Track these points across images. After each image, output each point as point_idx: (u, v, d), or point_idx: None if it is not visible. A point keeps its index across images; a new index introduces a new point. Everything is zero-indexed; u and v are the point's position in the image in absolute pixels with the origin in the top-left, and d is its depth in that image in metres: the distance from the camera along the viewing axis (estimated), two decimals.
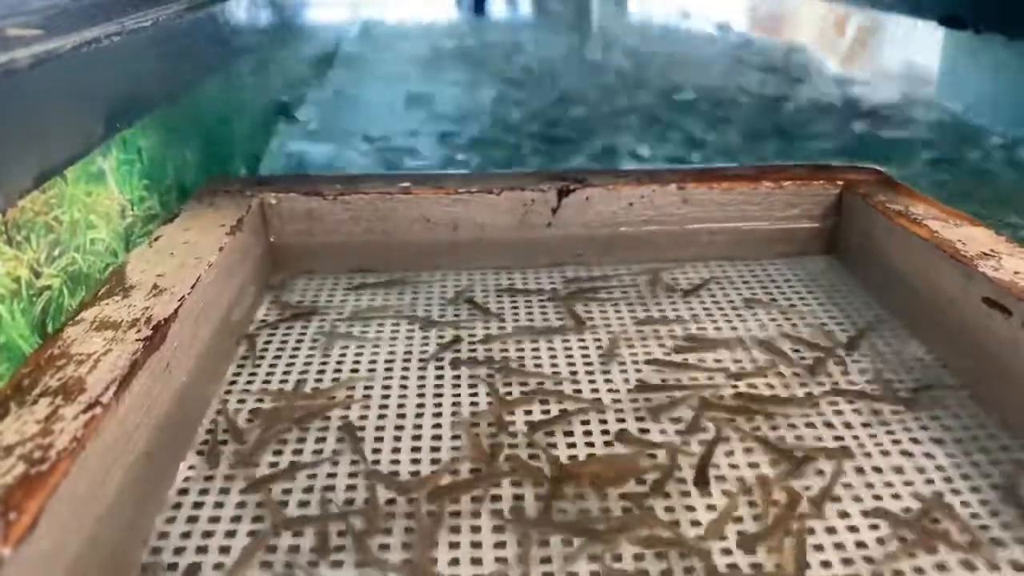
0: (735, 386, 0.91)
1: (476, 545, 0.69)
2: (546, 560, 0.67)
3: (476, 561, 0.67)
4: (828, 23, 3.35)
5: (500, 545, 0.69)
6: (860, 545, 0.69)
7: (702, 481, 0.76)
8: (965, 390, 0.90)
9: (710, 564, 0.67)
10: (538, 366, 0.96)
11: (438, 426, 0.85)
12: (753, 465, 0.79)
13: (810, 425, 0.84)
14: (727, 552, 0.68)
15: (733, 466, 0.78)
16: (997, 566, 0.66)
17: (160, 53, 1.09)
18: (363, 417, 0.87)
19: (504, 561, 0.67)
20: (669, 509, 0.73)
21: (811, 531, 0.70)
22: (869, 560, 0.67)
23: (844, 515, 0.72)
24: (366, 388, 0.92)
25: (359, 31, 3.83)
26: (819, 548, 0.69)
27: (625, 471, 0.77)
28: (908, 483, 0.76)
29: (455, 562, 0.67)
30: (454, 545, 0.69)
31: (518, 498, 0.74)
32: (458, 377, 0.94)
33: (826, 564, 0.67)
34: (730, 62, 3.29)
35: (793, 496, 0.74)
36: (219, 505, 0.74)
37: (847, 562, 0.67)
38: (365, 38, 3.76)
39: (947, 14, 2.24)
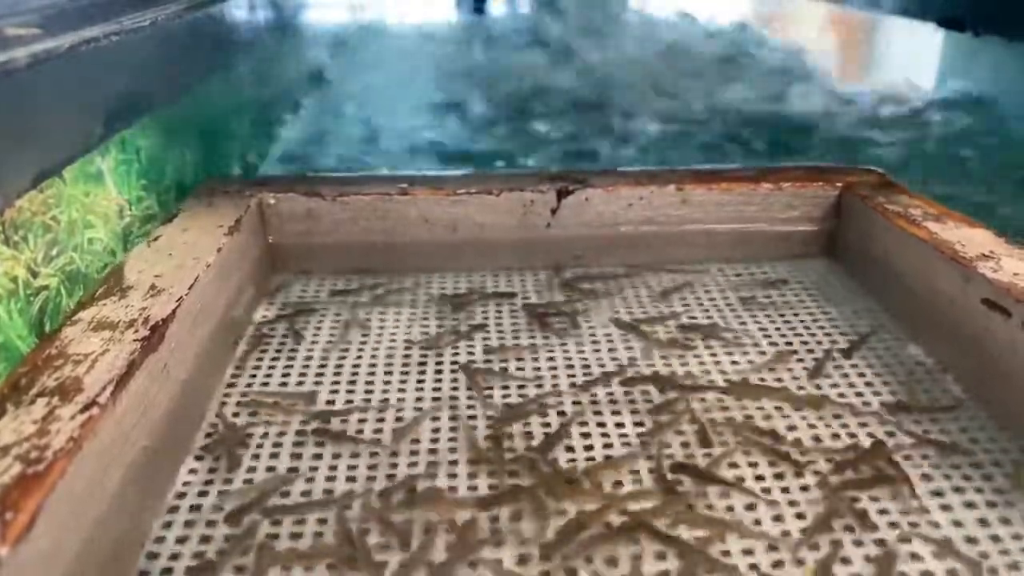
0: (733, 387, 0.91)
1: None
2: None
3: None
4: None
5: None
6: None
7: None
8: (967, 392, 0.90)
9: None
10: (536, 369, 0.96)
11: (436, 430, 0.85)
12: (757, 475, 0.79)
13: (811, 426, 0.84)
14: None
15: (733, 465, 0.78)
16: None
17: (159, 53, 1.09)
18: (362, 420, 0.86)
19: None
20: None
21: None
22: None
23: (850, 530, 0.72)
24: (365, 390, 0.92)
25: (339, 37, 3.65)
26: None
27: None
28: None
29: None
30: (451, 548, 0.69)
31: (518, 503, 0.74)
32: (456, 380, 0.94)
33: None
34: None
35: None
36: (218, 508, 0.74)
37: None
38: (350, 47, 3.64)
39: (946, 16, 2.24)
